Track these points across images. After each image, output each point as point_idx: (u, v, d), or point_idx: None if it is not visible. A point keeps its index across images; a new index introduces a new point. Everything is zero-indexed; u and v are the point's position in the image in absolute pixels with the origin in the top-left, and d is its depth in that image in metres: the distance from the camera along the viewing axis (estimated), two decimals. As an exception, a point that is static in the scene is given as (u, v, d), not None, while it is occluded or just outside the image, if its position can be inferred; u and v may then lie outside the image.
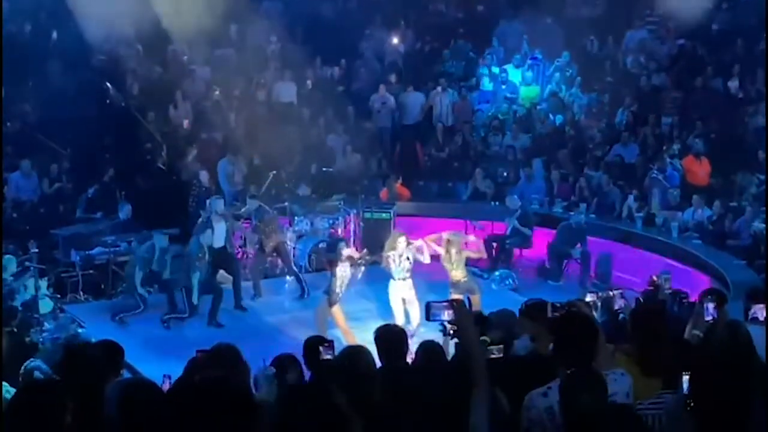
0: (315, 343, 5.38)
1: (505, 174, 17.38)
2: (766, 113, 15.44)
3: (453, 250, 11.98)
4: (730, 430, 3.78)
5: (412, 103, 18.86)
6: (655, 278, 9.68)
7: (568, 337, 4.45)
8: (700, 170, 15.57)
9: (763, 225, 13.44)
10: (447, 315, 4.59)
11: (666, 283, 9.56)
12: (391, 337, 5.35)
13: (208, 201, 13.96)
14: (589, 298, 7.31)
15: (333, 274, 11.49)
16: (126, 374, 5.84)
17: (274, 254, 14.62)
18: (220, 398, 3.12)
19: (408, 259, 11.61)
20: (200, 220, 13.41)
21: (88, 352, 4.84)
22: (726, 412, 3.77)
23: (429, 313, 4.72)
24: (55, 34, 17.91)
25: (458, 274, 12.03)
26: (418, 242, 11.87)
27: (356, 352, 4.60)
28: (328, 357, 5.15)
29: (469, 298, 10.61)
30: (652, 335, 5.11)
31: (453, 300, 4.60)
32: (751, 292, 6.90)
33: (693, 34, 17.92)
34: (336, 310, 11.49)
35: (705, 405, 3.80)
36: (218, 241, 13.39)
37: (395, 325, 6.24)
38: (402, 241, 11.71)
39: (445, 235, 12.24)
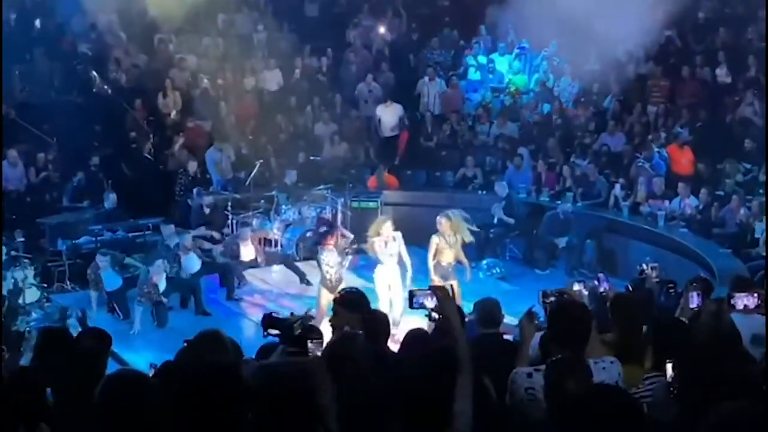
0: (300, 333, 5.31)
1: (494, 161, 17.40)
2: (766, 104, 15.40)
3: (457, 234, 11.52)
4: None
5: (389, 115, 18.06)
6: (644, 267, 9.72)
7: (562, 323, 4.47)
8: (682, 158, 15.56)
9: (749, 213, 13.48)
10: (430, 302, 4.59)
11: (653, 273, 9.59)
12: (374, 323, 5.33)
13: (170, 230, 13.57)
14: (576, 287, 7.32)
15: (320, 261, 11.40)
16: (111, 363, 5.82)
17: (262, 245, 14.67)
18: (211, 382, 3.12)
19: (386, 244, 11.39)
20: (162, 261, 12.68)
21: (83, 341, 4.83)
22: (710, 399, 3.79)
23: (411, 301, 4.73)
24: (39, 23, 17.81)
25: (450, 257, 11.61)
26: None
27: (344, 339, 4.59)
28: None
29: (452, 286, 10.50)
30: (631, 324, 5.12)
31: (437, 287, 4.60)
32: (733, 280, 6.94)
33: (680, 23, 17.90)
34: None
35: (689, 391, 3.82)
36: (194, 268, 13.14)
37: (379, 311, 6.22)
38: (387, 225, 11.56)
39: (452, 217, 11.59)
